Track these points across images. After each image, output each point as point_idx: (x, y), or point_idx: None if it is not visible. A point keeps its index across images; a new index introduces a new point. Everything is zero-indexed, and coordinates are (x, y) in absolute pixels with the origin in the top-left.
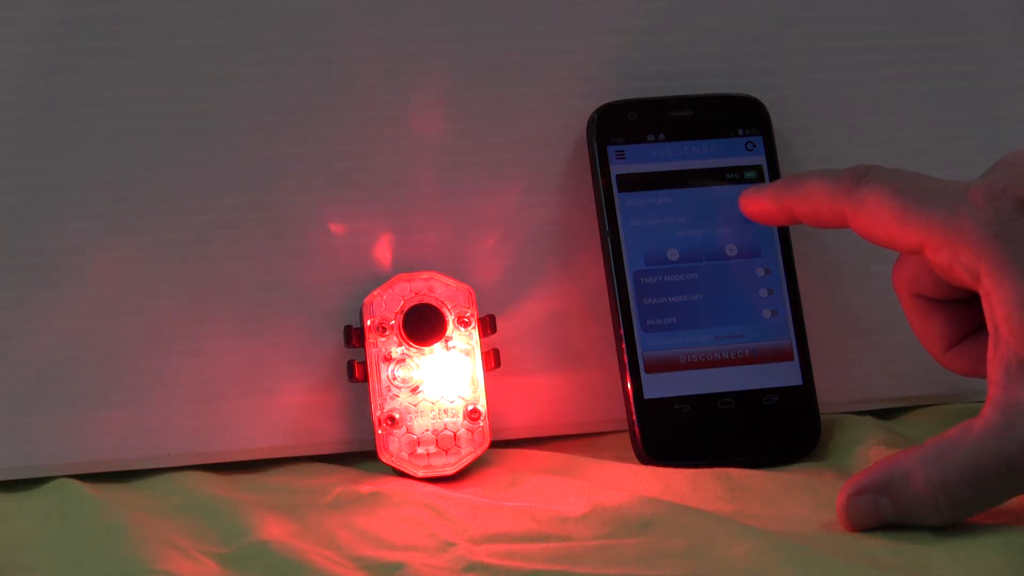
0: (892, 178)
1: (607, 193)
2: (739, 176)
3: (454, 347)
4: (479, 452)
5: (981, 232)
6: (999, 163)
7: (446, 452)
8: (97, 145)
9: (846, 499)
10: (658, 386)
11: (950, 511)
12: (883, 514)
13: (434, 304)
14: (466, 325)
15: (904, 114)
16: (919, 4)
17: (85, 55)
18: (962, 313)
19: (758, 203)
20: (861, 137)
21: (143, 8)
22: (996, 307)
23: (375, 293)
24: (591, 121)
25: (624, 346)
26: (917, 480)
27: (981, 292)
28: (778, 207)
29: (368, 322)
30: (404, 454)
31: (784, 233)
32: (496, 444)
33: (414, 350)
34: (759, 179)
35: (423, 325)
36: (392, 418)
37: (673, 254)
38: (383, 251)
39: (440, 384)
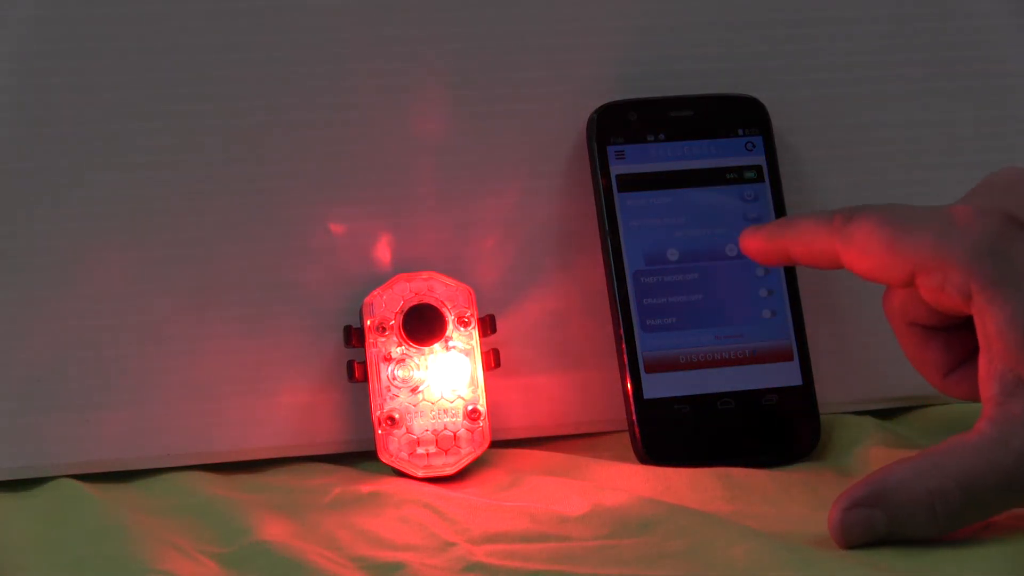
0: (879, 211)
1: (607, 193)
2: (739, 176)
3: (454, 347)
4: (479, 452)
5: (970, 251)
6: (981, 183)
7: (446, 452)
8: (97, 145)
9: (840, 513)
10: (658, 386)
11: (947, 520)
12: (876, 527)
13: (434, 304)
14: (466, 325)
15: (904, 114)
16: (919, 4)
17: (85, 55)
18: (957, 339)
19: (755, 242)
20: (861, 137)
21: (143, 8)
22: (989, 324)
23: (375, 293)
24: (591, 121)
25: (624, 346)
26: (914, 489)
27: (973, 311)
28: (773, 247)
29: (368, 322)
30: (404, 454)
31: None
32: (496, 444)
33: (414, 350)
34: (759, 179)
35: (423, 325)
36: (392, 418)
37: (673, 254)
38: (383, 251)
39: (440, 384)
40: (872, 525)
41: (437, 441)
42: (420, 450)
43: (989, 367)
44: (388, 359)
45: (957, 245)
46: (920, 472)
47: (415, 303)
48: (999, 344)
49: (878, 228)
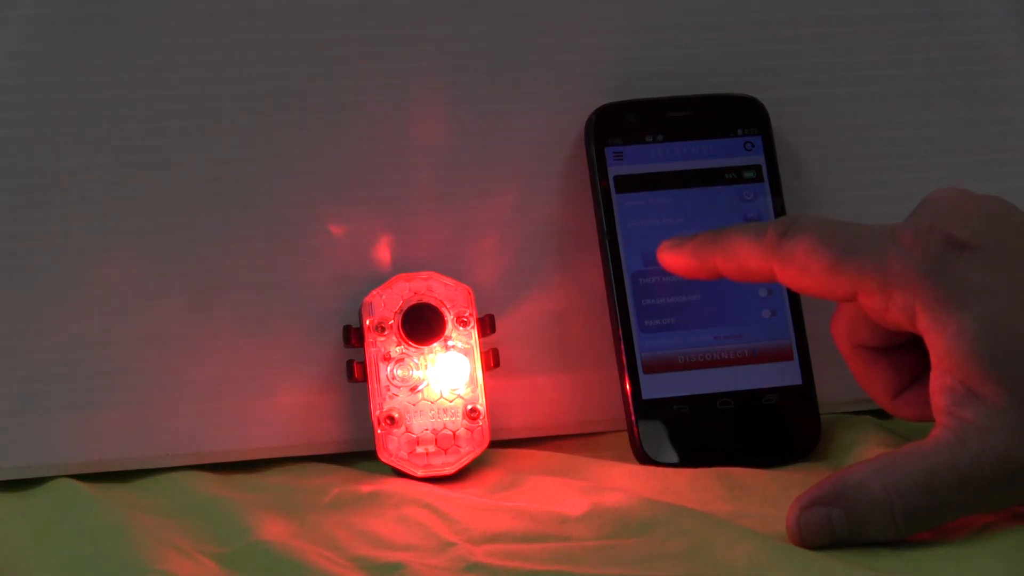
0: (817, 228)
1: (605, 194)
2: (738, 176)
3: (453, 347)
4: (478, 452)
5: (912, 272)
6: (923, 203)
7: (445, 452)
8: (97, 145)
9: (798, 512)
10: (657, 387)
11: (905, 521)
12: (835, 527)
13: (433, 304)
14: (465, 325)
15: (904, 114)
16: (920, 4)
17: (85, 55)
18: (904, 360)
19: (679, 258)
20: (861, 137)
21: (143, 8)
22: (936, 342)
23: (374, 293)
24: (589, 122)
25: (622, 347)
26: (872, 488)
27: (920, 330)
28: (700, 264)
29: (367, 322)
30: (403, 453)
31: None
32: (496, 444)
33: (413, 350)
34: (758, 179)
35: (422, 325)
36: (391, 418)
37: None
38: (383, 251)
39: (439, 383)
40: (831, 524)
41: (436, 440)
42: (420, 449)
43: (939, 381)
44: (387, 359)
45: (899, 267)
46: (879, 472)
47: (414, 303)
48: (947, 360)
49: (818, 248)
